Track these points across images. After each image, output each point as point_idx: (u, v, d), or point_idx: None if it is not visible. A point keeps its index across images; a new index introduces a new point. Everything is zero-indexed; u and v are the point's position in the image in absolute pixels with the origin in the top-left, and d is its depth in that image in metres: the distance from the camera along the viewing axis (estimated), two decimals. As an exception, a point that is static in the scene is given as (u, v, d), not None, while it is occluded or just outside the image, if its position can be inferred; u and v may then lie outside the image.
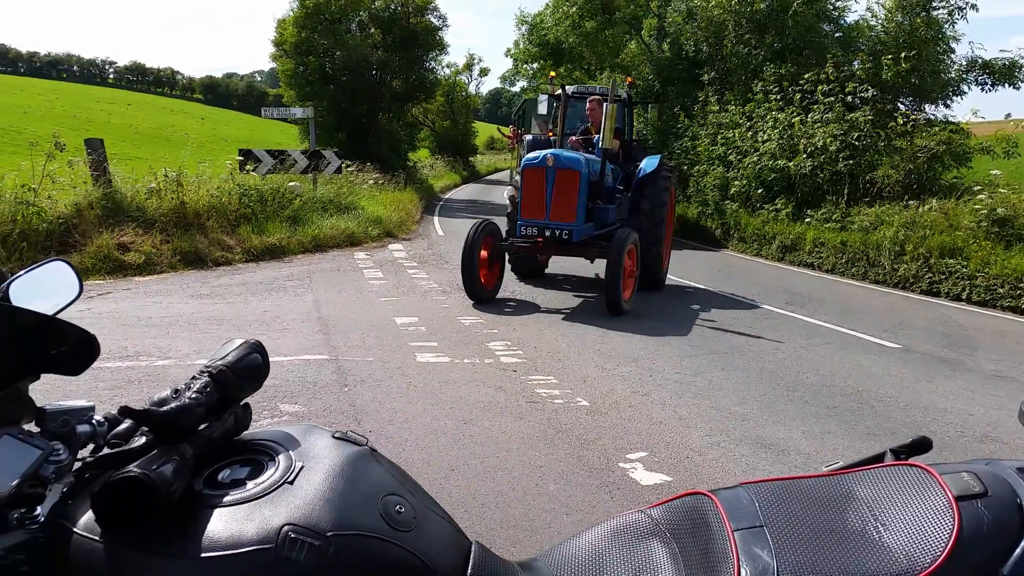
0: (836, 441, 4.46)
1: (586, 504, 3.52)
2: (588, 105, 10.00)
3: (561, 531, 3.22)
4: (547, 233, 8.10)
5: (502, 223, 9.45)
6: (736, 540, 1.09)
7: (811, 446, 4.37)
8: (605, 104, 8.44)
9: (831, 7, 19.15)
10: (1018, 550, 1.00)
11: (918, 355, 6.78)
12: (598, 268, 9.92)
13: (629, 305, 8.01)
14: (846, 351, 6.78)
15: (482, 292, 8.17)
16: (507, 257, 8.88)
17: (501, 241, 8.59)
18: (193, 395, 1.05)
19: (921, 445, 1.32)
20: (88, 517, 0.95)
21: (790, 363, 6.26)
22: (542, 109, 13.44)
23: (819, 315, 8.37)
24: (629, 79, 14.81)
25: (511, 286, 9.51)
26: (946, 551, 0.98)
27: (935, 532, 1.01)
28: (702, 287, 10.15)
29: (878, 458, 1.32)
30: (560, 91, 12.31)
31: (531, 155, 8.51)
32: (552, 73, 15.34)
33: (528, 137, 14.96)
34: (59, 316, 1.16)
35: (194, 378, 1.09)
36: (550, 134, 14.66)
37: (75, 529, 0.95)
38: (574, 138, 9.76)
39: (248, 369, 1.14)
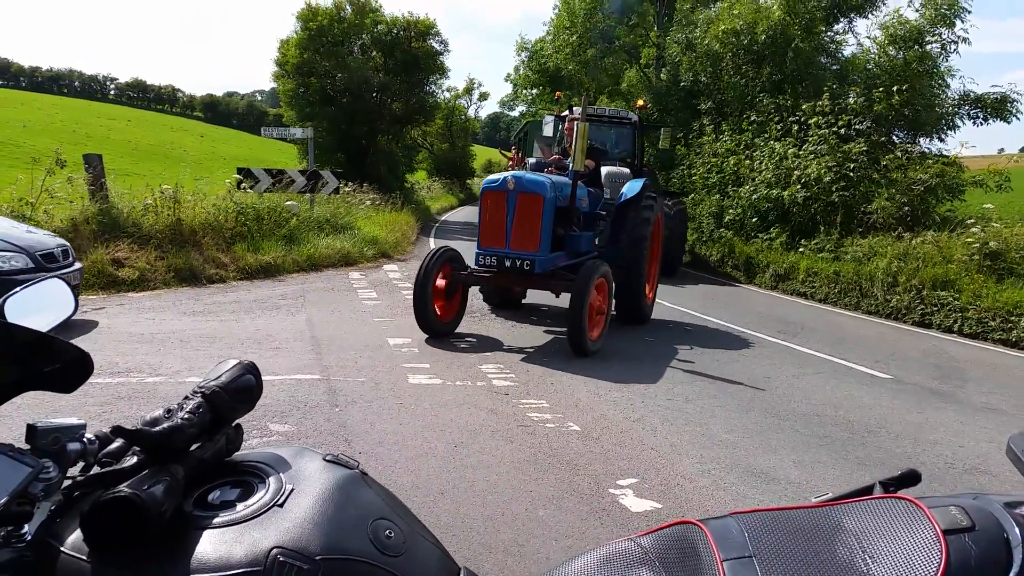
0: (826, 471, 4.46)
1: (576, 530, 3.50)
2: (566, 124, 9.46)
3: (550, 557, 3.21)
4: (507, 263, 7.33)
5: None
6: (725, 570, 1.09)
7: (801, 475, 4.37)
8: (577, 123, 7.84)
9: (828, 41, 19.42)
10: None
11: (909, 386, 6.80)
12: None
13: (597, 346, 7.28)
14: (838, 381, 6.79)
15: (437, 326, 7.53)
16: (472, 287, 8.23)
17: (461, 270, 7.84)
18: (185, 415, 1.05)
19: (910, 478, 1.33)
20: (76, 536, 0.95)
21: (782, 392, 6.27)
22: (547, 131, 13.03)
23: (811, 344, 8.39)
24: (640, 102, 14.55)
25: (501, 312, 9.50)
26: None
27: (922, 566, 1.01)
28: (695, 315, 10.17)
29: (867, 490, 1.33)
30: (567, 112, 11.92)
31: (491, 177, 7.82)
32: (558, 93, 14.93)
33: (531, 160, 14.84)
34: (53, 333, 1.17)
35: (187, 398, 1.10)
36: (556, 157, 14.40)
37: (63, 548, 0.95)
38: (548, 166, 9.42)
39: (241, 390, 1.15)
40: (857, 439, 5.12)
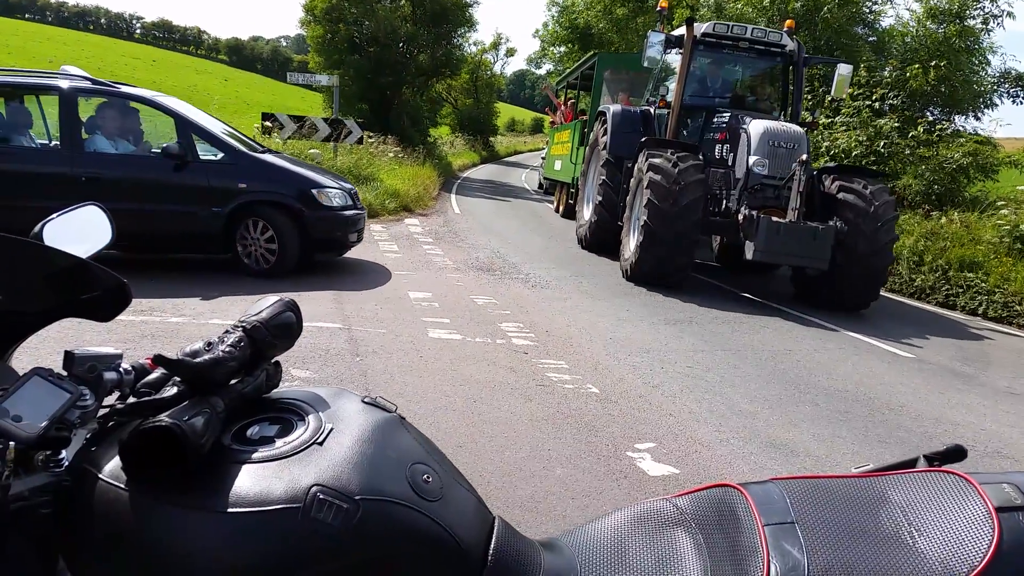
0: (846, 446, 4.43)
1: (592, 490, 3.51)
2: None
3: (566, 515, 3.21)
4: None
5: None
6: (766, 535, 1.07)
7: (820, 449, 4.34)
8: None
9: (867, 10, 18.89)
10: None
11: (932, 366, 6.73)
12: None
13: None
14: (859, 357, 6.73)
15: None
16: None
17: None
18: (226, 349, 1.03)
19: (956, 453, 1.30)
20: (114, 464, 0.94)
21: (802, 365, 6.22)
22: (651, 55, 9.41)
23: (833, 320, 8.30)
24: (790, 22, 10.39)
25: (522, 273, 9.45)
26: (984, 562, 0.96)
27: (973, 542, 0.99)
28: (716, 285, 10.10)
29: (911, 463, 1.30)
30: (684, 29, 8.86)
31: None
32: (663, 3, 10.79)
33: (614, 108, 10.98)
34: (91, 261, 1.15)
35: (228, 332, 1.08)
36: (662, 103, 10.14)
37: (100, 476, 0.94)
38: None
39: (282, 327, 1.13)
40: (877, 416, 5.08)
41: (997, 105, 16.95)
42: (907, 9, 17.95)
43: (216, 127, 7.63)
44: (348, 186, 8.11)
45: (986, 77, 16.73)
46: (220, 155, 7.19)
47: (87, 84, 7.01)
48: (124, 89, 7.43)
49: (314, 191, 7.30)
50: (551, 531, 2.97)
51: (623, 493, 3.48)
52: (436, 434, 3.92)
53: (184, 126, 7.11)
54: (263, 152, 7.86)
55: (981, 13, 15.77)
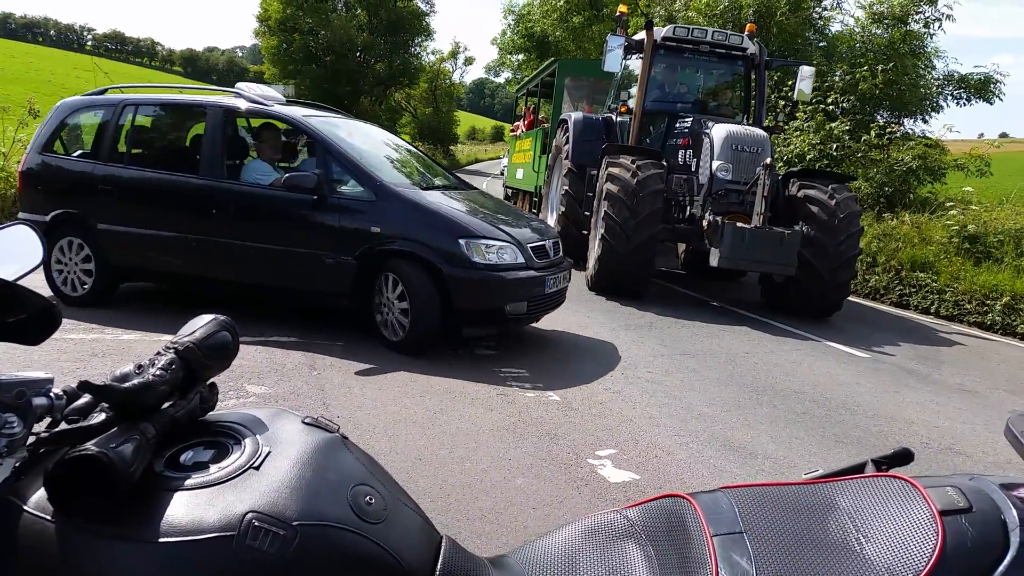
0: (804, 447, 4.49)
1: (554, 499, 3.50)
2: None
3: (527, 525, 3.19)
4: None
5: None
6: (715, 546, 1.07)
7: (779, 451, 4.39)
8: None
9: (816, 16, 19.28)
10: (1001, 568, 0.98)
11: (886, 366, 6.85)
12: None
13: None
14: (816, 358, 6.83)
15: None
16: None
17: None
18: (157, 372, 1.00)
19: (903, 457, 1.31)
20: (40, 495, 0.91)
21: (760, 368, 6.29)
22: (611, 63, 9.07)
23: (789, 321, 8.42)
24: (751, 26, 10.14)
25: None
26: (929, 566, 0.97)
27: (918, 546, 0.99)
28: (676, 289, 10.18)
29: (859, 468, 1.31)
30: (644, 33, 8.69)
31: None
32: (623, 7, 10.45)
33: (574, 115, 10.84)
34: (20, 282, 1.11)
35: (159, 354, 1.04)
36: (623, 109, 10.01)
37: (25, 507, 0.90)
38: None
39: (216, 347, 1.10)
40: (834, 416, 5.16)
41: (943, 108, 17.39)
42: (852, 16, 18.09)
43: (370, 153, 6.24)
44: (532, 236, 6.05)
45: (931, 80, 17.16)
46: (360, 188, 5.76)
47: (243, 105, 6.17)
48: (277, 109, 6.26)
49: (461, 241, 5.49)
50: (512, 542, 2.95)
51: (584, 501, 3.48)
52: (395, 447, 3.88)
53: (325, 152, 5.88)
54: (432, 188, 6.35)
55: (923, 17, 16.19)
